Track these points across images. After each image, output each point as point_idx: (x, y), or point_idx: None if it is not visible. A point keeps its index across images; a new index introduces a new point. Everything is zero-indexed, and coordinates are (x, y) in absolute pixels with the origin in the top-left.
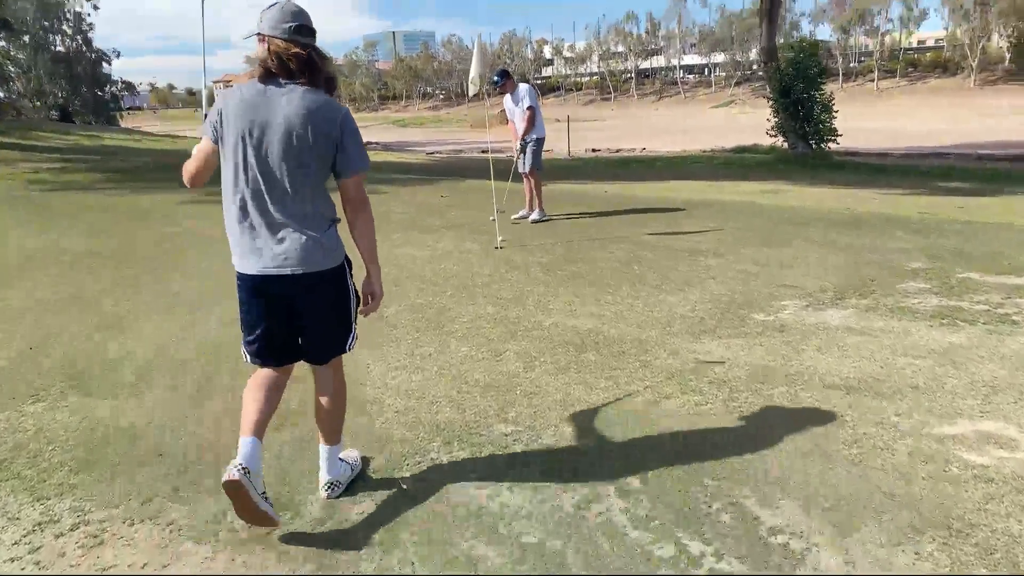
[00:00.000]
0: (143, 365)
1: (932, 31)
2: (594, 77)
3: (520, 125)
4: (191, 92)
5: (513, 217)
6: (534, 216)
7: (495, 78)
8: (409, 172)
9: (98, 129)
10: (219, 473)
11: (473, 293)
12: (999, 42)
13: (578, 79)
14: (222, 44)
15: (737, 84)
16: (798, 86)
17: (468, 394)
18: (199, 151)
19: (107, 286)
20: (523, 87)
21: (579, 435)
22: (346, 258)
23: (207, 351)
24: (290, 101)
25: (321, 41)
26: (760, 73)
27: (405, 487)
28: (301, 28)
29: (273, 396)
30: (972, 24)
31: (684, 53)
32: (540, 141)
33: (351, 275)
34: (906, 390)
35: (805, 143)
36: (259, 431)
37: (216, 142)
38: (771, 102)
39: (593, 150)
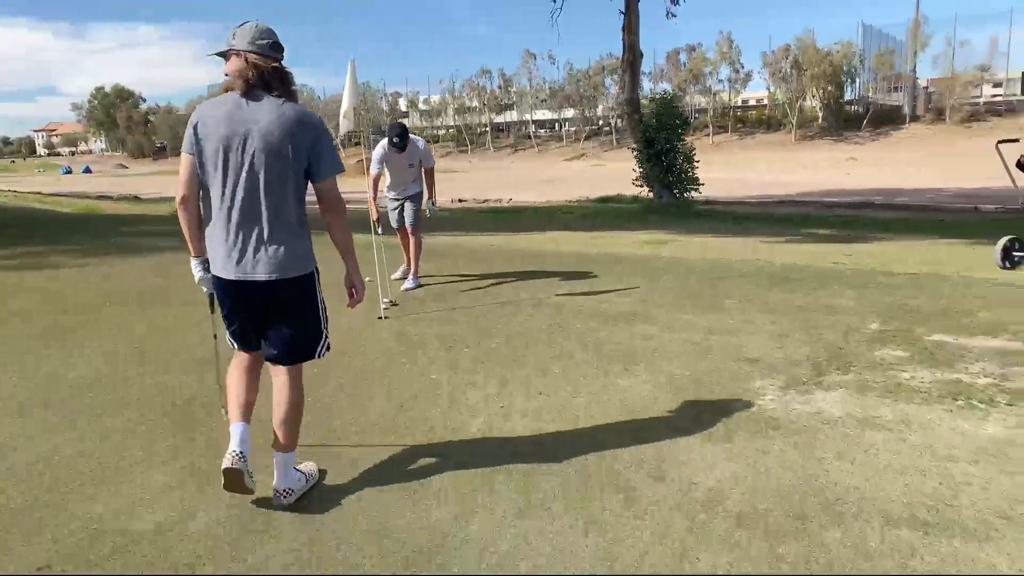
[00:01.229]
0: None
1: (756, 91)
2: (450, 130)
3: (407, 181)
4: (7, 141)
5: (393, 276)
6: (408, 284)
7: (395, 139)
8: None
9: None
10: None
11: (364, 385)
12: (813, 102)
13: (434, 131)
14: (44, 91)
15: (587, 138)
16: (661, 137)
17: None
18: (184, 166)
19: None
20: (420, 143)
21: None
22: (315, 267)
23: (5, 497)
24: (270, 112)
25: (166, 90)
26: (606, 128)
27: None
28: (276, 45)
29: (252, 378)
30: (790, 86)
31: (536, 108)
32: (420, 196)
33: (319, 284)
34: (996, 521)
35: (670, 192)
36: (247, 415)
37: (195, 154)
38: (636, 153)
39: (460, 200)
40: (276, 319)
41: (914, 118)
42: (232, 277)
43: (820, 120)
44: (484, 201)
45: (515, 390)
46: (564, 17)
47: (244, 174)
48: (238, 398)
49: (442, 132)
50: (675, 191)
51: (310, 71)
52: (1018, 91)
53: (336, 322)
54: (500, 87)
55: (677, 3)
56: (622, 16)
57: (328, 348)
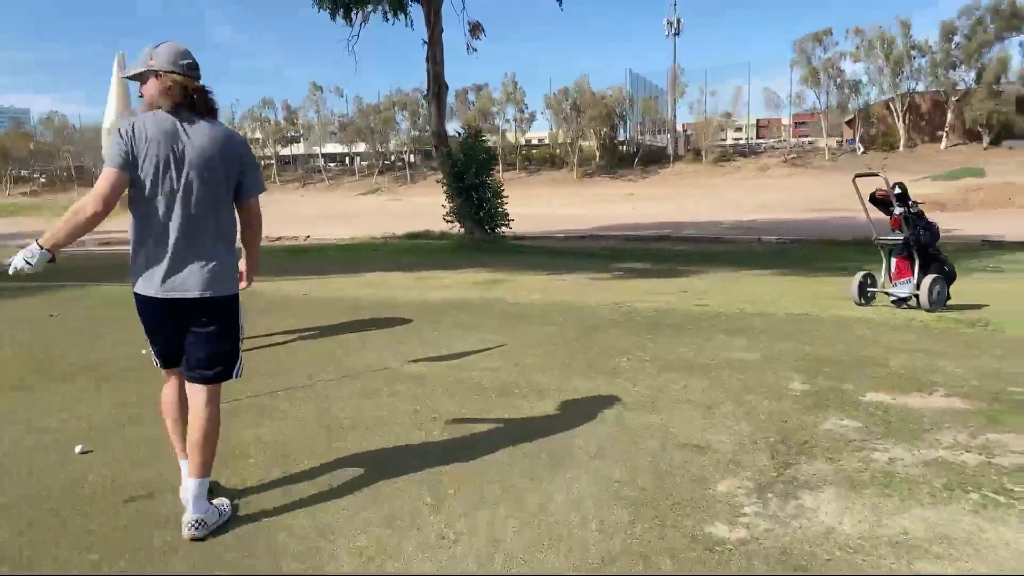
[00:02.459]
0: None
1: (540, 131)
2: None
3: None
4: None
5: None
6: None
7: None
8: None
9: None
10: None
11: (155, 551)
12: (591, 142)
13: None
14: None
15: (381, 173)
16: (471, 171)
17: None
18: (109, 180)
19: None
20: None
21: None
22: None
23: None
24: (202, 133)
25: None
26: (399, 163)
27: None
28: (195, 65)
29: (186, 405)
30: (570, 127)
31: (325, 141)
32: None
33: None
34: None
35: (481, 228)
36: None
37: (127, 170)
38: (445, 187)
39: None
40: (202, 337)
41: (677, 158)
42: (163, 296)
43: (598, 159)
44: (278, 239)
45: (404, 530)
46: (349, 55)
47: (183, 194)
48: (178, 427)
49: None
50: (486, 227)
51: (63, 99)
52: (754, 136)
53: (117, 418)
54: (285, 119)
55: (478, 38)
56: (425, 47)
57: (241, 368)
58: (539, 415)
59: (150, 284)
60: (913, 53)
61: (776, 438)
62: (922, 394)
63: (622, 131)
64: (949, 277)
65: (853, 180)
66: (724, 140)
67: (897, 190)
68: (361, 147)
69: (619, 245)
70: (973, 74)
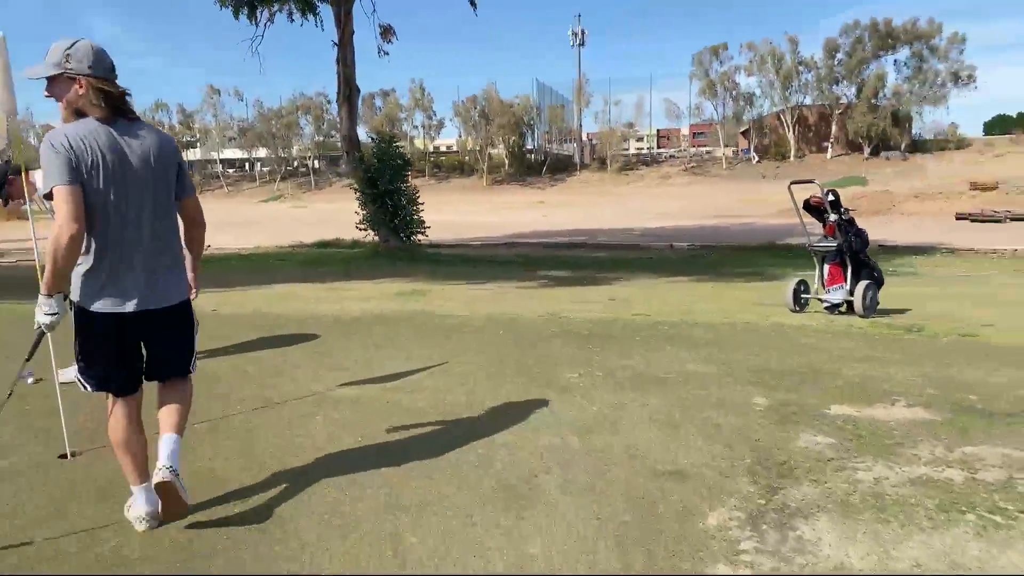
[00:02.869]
0: None
1: (448, 139)
2: None
3: None
4: None
5: (62, 379)
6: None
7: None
8: None
9: None
10: None
11: None
12: (500, 150)
13: None
14: None
15: (283, 179)
16: (385, 177)
17: None
18: (71, 198)
19: None
20: None
21: None
22: None
23: None
24: (140, 138)
25: None
26: (303, 169)
27: None
28: (114, 67)
29: (140, 428)
30: (480, 134)
31: (224, 147)
32: None
33: None
34: None
35: (396, 236)
36: (147, 472)
37: (79, 182)
38: (358, 194)
39: None
40: (168, 340)
41: (583, 166)
42: (129, 310)
43: (507, 166)
44: None
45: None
46: (252, 56)
47: (140, 203)
48: (136, 456)
49: None
50: (402, 234)
51: None
52: (655, 145)
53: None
54: (180, 123)
55: (389, 41)
56: (335, 48)
57: (196, 362)
58: (493, 439)
59: (120, 301)
60: (801, 68)
61: (752, 459)
62: (884, 405)
63: (530, 139)
64: (878, 283)
65: (788, 187)
66: (627, 149)
67: (831, 197)
68: (262, 152)
69: (535, 253)
70: (854, 89)
